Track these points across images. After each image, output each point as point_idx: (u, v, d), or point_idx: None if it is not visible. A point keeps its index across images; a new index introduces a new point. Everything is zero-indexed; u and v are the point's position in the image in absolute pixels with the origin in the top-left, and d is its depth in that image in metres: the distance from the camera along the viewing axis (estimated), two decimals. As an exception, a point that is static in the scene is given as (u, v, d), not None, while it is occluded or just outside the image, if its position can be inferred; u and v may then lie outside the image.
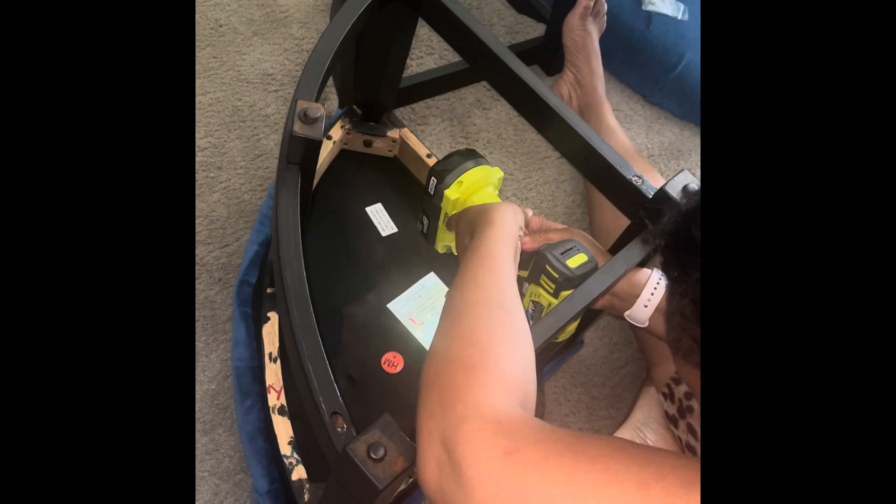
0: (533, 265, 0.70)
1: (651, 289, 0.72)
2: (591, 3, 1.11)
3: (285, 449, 0.72)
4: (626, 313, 0.74)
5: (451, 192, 0.73)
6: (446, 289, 0.89)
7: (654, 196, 0.67)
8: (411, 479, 0.73)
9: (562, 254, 0.67)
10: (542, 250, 0.68)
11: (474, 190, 0.73)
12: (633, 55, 1.21)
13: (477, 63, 0.77)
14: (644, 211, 0.68)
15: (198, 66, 1.02)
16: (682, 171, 0.67)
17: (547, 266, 0.67)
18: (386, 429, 0.49)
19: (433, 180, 0.74)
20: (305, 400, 0.55)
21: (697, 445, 0.78)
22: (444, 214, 0.75)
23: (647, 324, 0.73)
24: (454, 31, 0.75)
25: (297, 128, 0.59)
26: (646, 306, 0.72)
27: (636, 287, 0.72)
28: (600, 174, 0.72)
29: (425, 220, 0.78)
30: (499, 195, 0.72)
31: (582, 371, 0.95)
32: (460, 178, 0.73)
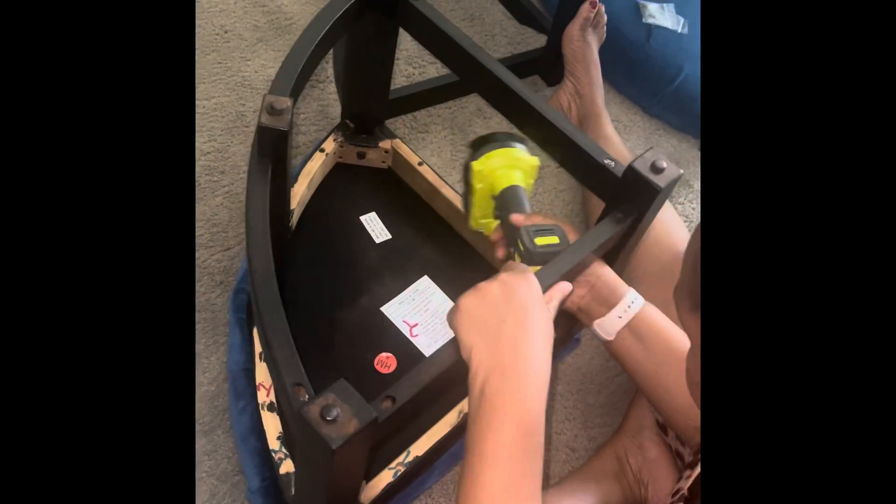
0: (509, 237, 0.73)
1: (629, 302, 0.70)
2: (592, 15, 1.13)
3: (274, 444, 0.73)
4: (597, 321, 0.71)
5: (477, 164, 0.76)
6: (439, 291, 0.90)
7: (623, 175, 0.68)
8: (400, 472, 0.73)
9: (535, 231, 0.68)
10: (521, 226, 0.69)
11: (501, 166, 0.76)
12: (632, 67, 1.23)
13: (455, 65, 0.79)
14: (617, 190, 0.69)
15: (202, 72, 1.07)
16: (650, 148, 0.68)
17: (518, 241, 0.69)
18: (341, 392, 0.50)
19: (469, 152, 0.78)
20: (272, 375, 0.56)
21: (686, 452, 0.77)
22: (473, 188, 0.77)
23: (612, 336, 0.71)
24: (430, 35, 0.77)
25: (264, 119, 0.62)
26: (619, 317, 0.70)
27: (615, 296, 0.71)
28: (575, 160, 0.73)
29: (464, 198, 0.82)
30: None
31: (578, 378, 0.94)
32: (489, 154, 0.76)
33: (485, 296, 0.55)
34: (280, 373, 0.53)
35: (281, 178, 0.67)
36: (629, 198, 0.68)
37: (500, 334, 0.53)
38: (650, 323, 0.71)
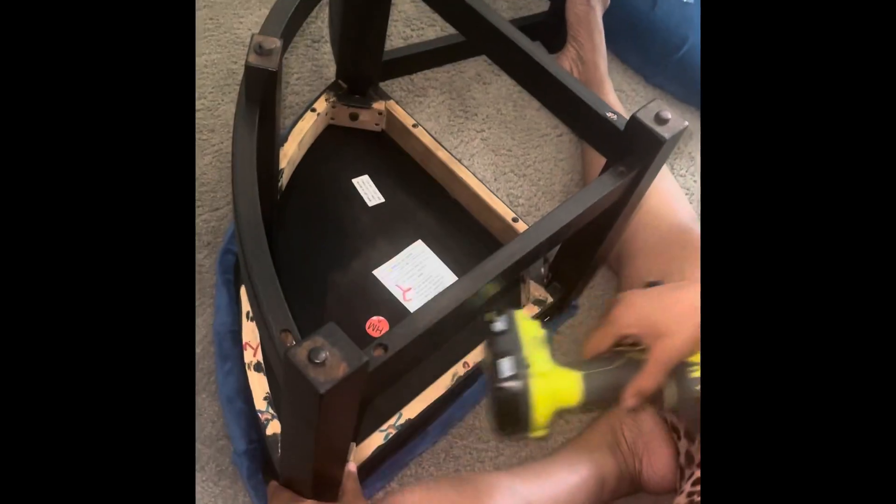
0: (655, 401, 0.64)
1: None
2: None
3: (260, 405, 0.70)
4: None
5: (539, 411, 0.61)
6: (434, 256, 0.87)
7: (626, 127, 0.65)
8: (391, 434, 0.71)
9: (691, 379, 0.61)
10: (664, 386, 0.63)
11: (555, 385, 0.62)
12: (636, 35, 1.20)
13: (457, 20, 0.76)
14: (619, 144, 0.66)
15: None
16: (653, 100, 0.65)
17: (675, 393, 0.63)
18: (329, 335, 0.47)
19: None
20: (258, 323, 0.53)
21: (681, 425, 0.75)
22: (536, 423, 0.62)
23: None
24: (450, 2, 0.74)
25: (253, 59, 0.59)
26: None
27: None
28: (577, 114, 0.70)
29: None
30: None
31: (574, 349, 0.92)
32: (535, 386, 0.61)
33: None
34: (266, 319, 0.51)
35: (269, 126, 0.65)
36: (632, 151, 0.65)
37: None
38: None
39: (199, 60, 1.02)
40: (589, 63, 1.09)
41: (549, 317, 0.86)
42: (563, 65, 1.11)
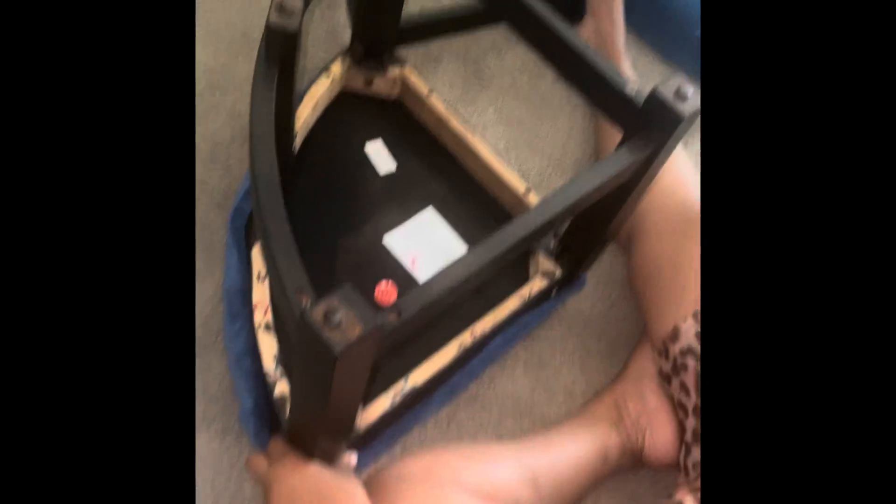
0: None
1: None
2: None
3: (269, 364, 0.71)
4: None
5: None
6: (444, 223, 0.88)
7: (644, 102, 0.65)
8: (398, 399, 0.72)
9: None
10: None
11: None
12: (655, 12, 1.19)
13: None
14: (636, 119, 0.66)
15: None
16: (676, 74, 0.65)
17: None
18: (346, 296, 0.48)
19: None
20: (272, 282, 0.54)
21: (689, 403, 0.76)
22: None
23: None
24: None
25: (274, 19, 0.59)
26: None
27: None
28: (594, 88, 0.70)
29: None
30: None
31: (580, 323, 0.92)
32: None
33: None
34: (281, 278, 0.51)
35: (287, 87, 0.65)
36: (649, 127, 0.65)
37: None
38: None
39: (213, 17, 1.01)
40: (606, 37, 1.09)
41: (556, 289, 0.86)
42: (581, 38, 1.10)
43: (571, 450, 0.75)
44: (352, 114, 0.94)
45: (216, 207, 0.87)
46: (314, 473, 0.60)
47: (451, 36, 1.08)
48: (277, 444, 0.63)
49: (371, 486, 0.63)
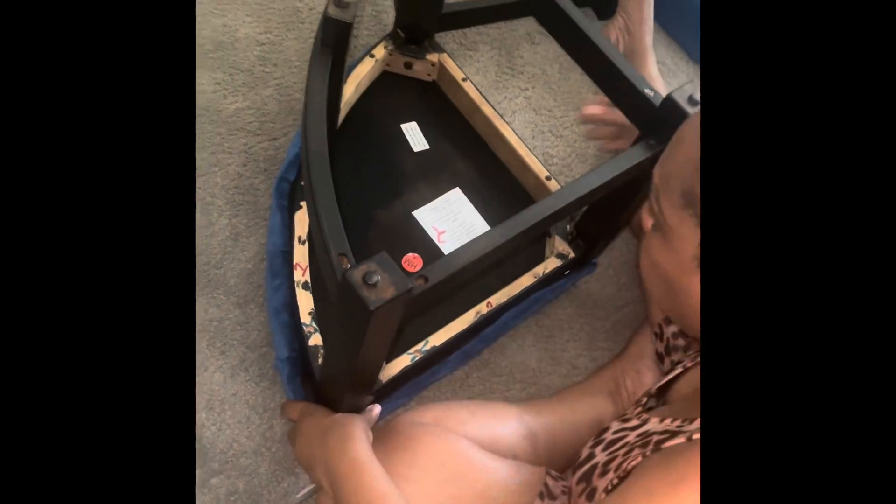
0: None
1: None
2: None
3: (305, 318, 0.79)
4: None
5: None
6: (470, 204, 0.95)
7: (661, 104, 0.71)
8: (418, 358, 0.79)
9: None
10: None
11: None
12: (684, 10, 1.24)
13: None
14: (652, 119, 0.72)
15: None
16: (690, 80, 0.71)
17: None
18: (382, 262, 0.55)
19: None
20: (318, 246, 0.61)
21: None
22: None
23: None
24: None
25: (331, 11, 0.65)
26: None
27: None
28: (616, 86, 0.76)
29: None
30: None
31: (588, 303, 0.99)
32: None
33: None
34: (327, 243, 0.59)
35: (337, 71, 0.71)
36: (664, 128, 0.71)
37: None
38: None
39: None
40: (635, 34, 1.13)
41: (568, 270, 0.93)
42: (611, 33, 1.15)
43: (569, 414, 0.82)
44: (391, 93, 1.00)
45: (261, 173, 0.95)
46: (322, 414, 0.71)
47: (487, 23, 1.14)
48: (304, 403, 0.73)
49: (386, 429, 0.72)
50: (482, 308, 0.84)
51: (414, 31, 0.99)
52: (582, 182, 0.68)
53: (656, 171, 0.62)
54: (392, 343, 0.72)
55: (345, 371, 0.65)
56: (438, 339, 0.81)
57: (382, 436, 0.71)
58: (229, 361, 0.85)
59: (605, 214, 0.85)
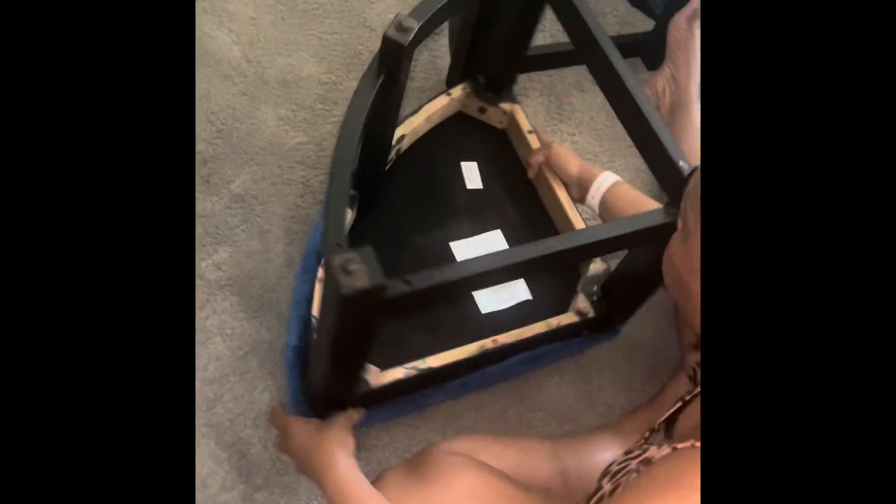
0: None
1: (597, 185, 0.92)
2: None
3: (316, 311, 0.84)
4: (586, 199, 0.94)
5: None
6: (507, 246, 0.97)
7: (688, 174, 0.72)
8: (413, 374, 0.82)
9: None
10: None
11: None
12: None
13: (566, 22, 0.84)
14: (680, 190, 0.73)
15: (329, 8, 1.17)
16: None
17: None
18: (365, 255, 0.59)
19: None
20: (322, 234, 0.66)
21: None
22: None
23: (598, 211, 0.93)
24: (568, 14, 0.84)
25: (391, 31, 0.72)
26: (592, 197, 0.92)
27: (589, 181, 0.93)
28: (651, 151, 0.77)
29: None
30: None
31: (628, 346, 1.00)
32: None
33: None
34: (327, 232, 0.64)
35: (392, 91, 0.77)
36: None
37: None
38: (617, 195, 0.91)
39: (331, 38, 1.15)
40: (681, 85, 1.14)
41: (586, 331, 0.93)
42: (658, 83, 1.16)
43: (600, 455, 0.83)
44: (460, 132, 1.06)
45: (318, 204, 1.02)
46: (304, 434, 0.74)
47: (542, 70, 1.17)
48: (286, 419, 0.77)
49: (421, 459, 0.76)
50: (487, 343, 0.86)
51: (494, 80, 1.04)
52: (587, 232, 0.69)
53: (695, 175, 0.63)
54: (369, 340, 0.74)
55: (324, 359, 0.69)
56: (437, 361, 0.83)
57: (418, 465, 0.75)
58: (277, 382, 0.90)
59: (629, 279, 0.86)
